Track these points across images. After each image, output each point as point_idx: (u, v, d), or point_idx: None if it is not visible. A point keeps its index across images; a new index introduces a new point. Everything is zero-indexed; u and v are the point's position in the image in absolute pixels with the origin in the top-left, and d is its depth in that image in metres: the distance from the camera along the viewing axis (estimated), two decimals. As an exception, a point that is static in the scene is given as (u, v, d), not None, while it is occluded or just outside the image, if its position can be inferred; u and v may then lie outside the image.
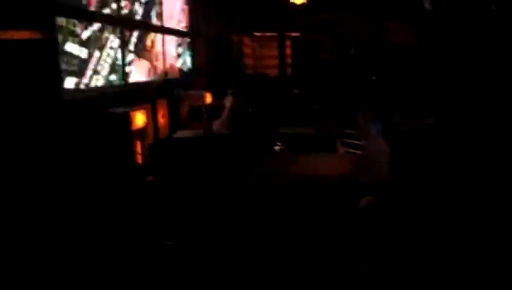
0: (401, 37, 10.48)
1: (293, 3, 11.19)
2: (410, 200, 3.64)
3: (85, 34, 5.00)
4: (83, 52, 4.94)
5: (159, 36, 7.35)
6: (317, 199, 4.52)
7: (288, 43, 12.48)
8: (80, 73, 4.87)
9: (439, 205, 3.15)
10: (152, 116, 6.58)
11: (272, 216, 4.33)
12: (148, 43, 6.89)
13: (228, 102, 7.31)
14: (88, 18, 5.06)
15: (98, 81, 5.27)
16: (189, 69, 8.87)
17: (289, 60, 12.66)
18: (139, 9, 6.54)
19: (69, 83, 4.66)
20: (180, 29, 8.49)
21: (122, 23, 5.93)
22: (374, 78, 11.48)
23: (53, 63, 4.40)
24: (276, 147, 6.45)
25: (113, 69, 5.63)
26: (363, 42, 11.90)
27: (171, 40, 7.97)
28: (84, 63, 4.96)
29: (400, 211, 3.09)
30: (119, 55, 5.81)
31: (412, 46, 10.65)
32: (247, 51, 12.67)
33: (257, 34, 12.68)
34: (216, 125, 6.99)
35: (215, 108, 7.95)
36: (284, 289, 3.44)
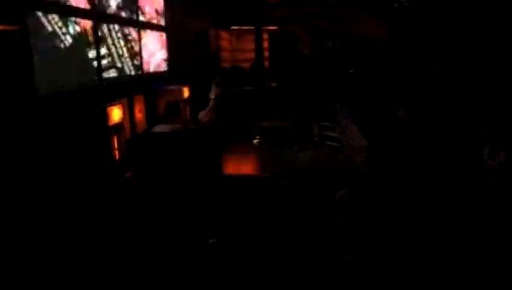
0: (375, 32, 10.60)
1: (269, -3, 11.19)
2: (384, 192, 3.70)
3: (60, 28, 4.93)
4: (56, 47, 4.88)
5: (135, 30, 7.29)
6: (295, 191, 4.56)
7: (265, 36, 12.49)
8: (54, 68, 4.80)
9: (410, 197, 3.21)
10: (129, 111, 6.53)
11: (250, 210, 4.35)
12: (124, 37, 6.82)
13: (213, 94, 7.30)
14: (61, 12, 4.99)
15: (73, 76, 5.20)
16: (167, 64, 8.81)
17: (266, 53, 12.68)
18: (113, 3, 6.47)
19: (43, 78, 4.60)
20: (157, 23, 8.43)
21: (98, 17, 5.86)
22: (351, 71, 11.57)
23: (26, 57, 4.33)
24: (254, 140, 6.47)
25: (88, 63, 5.57)
26: (341, 36, 11.98)
27: (148, 35, 7.91)
28: (58, 57, 4.90)
29: (374, 203, 3.15)
30: (94, 50, 5.74)
31: (387, 41, 10.78)
32: (225, 44, 12.65)
33: (234, 27, 12.66)
34: (201, 115, 6.98)
35: (194, 102, 7.93)
36: (271, 283, 3.47)
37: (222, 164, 5.11)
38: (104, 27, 6.10)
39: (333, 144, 6.33)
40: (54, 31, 4.85)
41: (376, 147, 5.16)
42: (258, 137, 6.63)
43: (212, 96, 7.28)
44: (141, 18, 7.60)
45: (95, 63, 5.77)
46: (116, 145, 5.36)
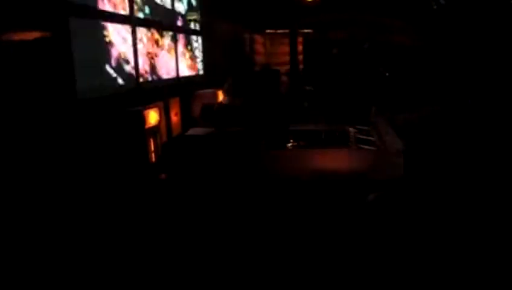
0: (407, 38, 10.48)
1: (305, 0, 11.16)
2: (421, 197, 3.61)
3: (99, 33, 5.04)
4: (96, 52, 4.99)
5: (172, 35, 7.39)
6: (329, 196, 4.51)
7: (300, 39, 12.46)
8: (93, 72, 4.91)
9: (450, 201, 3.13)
10: (165, 115, 6.61)
11: (284, 213, 4.32)
12: (161, 42, 6.92)
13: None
14: (101, 18, 5.10)
15: (112, 80, 5.31)
16: (202, 68, 8.89)
17: (301, 57, 12.64)
18: (151, 8, 6.58)
19: (83, 82, 4.71)
20: (193, 27, 8.52)
21: (136, 22, 5.96)
22: (387, 74, 11.43)
23: (66, 63, 4.43)
24: (289, 144, 6.45)
25: (126, 67, 5.67)
26: (376, 40, 11.86)
27: (184, 39, 8.00)
28: (98, 62, 5.01)
29: (409, 208, 3.08)
30: (132, 55, 5.84)
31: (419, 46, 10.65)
32: (259, 48, 12.67)
33: (269, 31, 12.67)
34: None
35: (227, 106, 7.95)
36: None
37: (257, 167, 5.10)
38: (142, 32, 6.20)
39: (369, 147, 6.25)
40: (94, 36, 4.95)
41: (415, 150, 5.05)
42: (292, 141, 6.62)
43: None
44: (178, 23, 7.70)
45: (133, 67, 5.87)
46: (152, 148, 5.42)
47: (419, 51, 10.91)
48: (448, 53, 10.29)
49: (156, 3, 6.78)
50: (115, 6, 5.44)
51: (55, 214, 3.93)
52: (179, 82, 7.51)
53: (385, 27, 10.91)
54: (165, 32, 7.13)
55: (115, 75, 5.39)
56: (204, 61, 8.94)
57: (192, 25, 8.46)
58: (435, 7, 10.63)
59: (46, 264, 3.57)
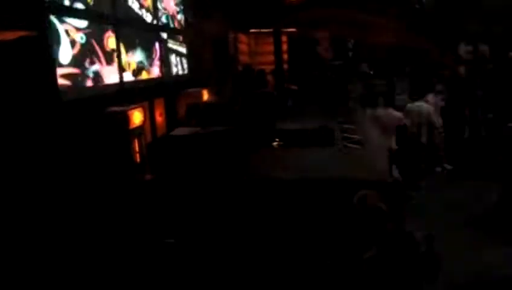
0: (391, 37, 10.58)
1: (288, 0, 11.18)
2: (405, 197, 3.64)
3: (81, 33, 4.98)
4: (78, 52, 4.93)
5: (155, 34, 7.34)
6: (315, 195, 4.52)
7: (284, 39, 12.46)
8: (76, 73, 4.86)
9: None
10: (150, 115, 6.56)
11: (270, 213, 4.32)
12: (144, 41, 6.87)
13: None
14: (82, 17, 5.04)
15: (96, 81, 5.25)
16: (186, 67, 8.85)
17: (285, 56, 12.65)
18: (135, 7, 6.53)
19: (65, 83, 4.65)
20: (177, 27, 8.48)
21: (119, 22, 5.91)
22: (371, 72, 11.51)
23: (48, 63, 4.37)
24: (274, 143, 6.44)
25: (110, 68, 5.62)
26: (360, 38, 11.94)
27: (168, 38, 7.95)
28: (79, 62, 4.95)
29: (396, 206, 3.10)
30: (115, 54, 5.79)
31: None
32: (243, 47, 12.65)
33: (253, 30, 12.66)
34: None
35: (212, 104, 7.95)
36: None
37: (242, 166, 5.09)
38: (126, 31, 6.14)
39: (354, 146, 6.27)
40: (76, 36, 4.89)
41: (401, 148, 5.09)
42: (278, 140, 6.61)
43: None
44: (161, 22, 7.65)
45: (117, 67, 5.81)
46: (137, 148, 5.38)
47: (403, 49, 11.01)
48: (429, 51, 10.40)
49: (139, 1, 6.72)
50: (97, 5, 5.38)
51: (39, 215, 3.87)
52: (163, 82, 7.46)
53: (368, 26, 10.97)
54: (150, 32, 7.08)
55: (98, 75, 5.33)
56: (188, 60, 8.90)
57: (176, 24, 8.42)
58: (417, 6, 10.73)
59: (30, 265, 3.52)
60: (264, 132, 6.47)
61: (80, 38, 4.98)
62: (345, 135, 6.82)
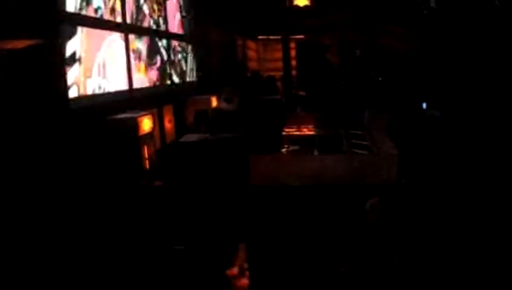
0: (401, 44, 10.56)
1: (296, 6, 11.21)
2: (417, 202, 3.62)
3: (91, 41, 5.03)
4: (89, 60, 4.97)
5: (164, 41, 7.39)
6: (324, 201, 4.51)
7: (292, 45, 12.49)
8: (86, 80, 4.90)
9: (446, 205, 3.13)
10: (159, 121, 6.60)
11: (278, 218, 4.32)
12: (154, 49, 6.91)
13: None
14: (93, 25, 5.09)
15: (106, 88, 5.30)
16: (196, 75, 8.90)
17: (294, 62, 12.66)
18: (143, 16, 6.58)
19: (75, 91, 4.69)
20: (186, 34, 8.53)
21: (128, 30, 5.96)
22: (380, 78, 11.48)
23: (58, 71, 4.42)
24: (283, 149, 6.44)
25: (119, 75, 5.66)
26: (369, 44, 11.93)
27: (177, 46, 8.00)
28: (89, 71, 4.99)
29: (406, 213, 3.08)
30: (124, 62, 5.83)
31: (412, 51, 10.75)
32: (252, 54, 12.69)
33: (261, 37, 12.70)
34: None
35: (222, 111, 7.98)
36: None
37: (250, 173, 5.10)
38: (135, 39, 6.19)
39: (362, 152, 6.25)
40: (87, 43, 4.94)
41: (409, 154, 5.05)
42: (286, 146, 6.61)
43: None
44: (170, 30, 7.70)
45: (126, 75, 5.85)
46: (146, 155, 5.40)
47: (412, 55, 10.97)
48: (440, 57, 10.36)
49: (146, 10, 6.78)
50: (109, 13, 5.44)
51: (50, 221, 3.90)
52: (172, 89, 7.50)
53: (377, 32, 10.97)
54: (158, 39, 7.13)
55: (107, 82, 5.37)
56: (197, 68, 8.94)
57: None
58: (425, 12, 10.70)
59: (41, 269, 3.54)
60: (273, 138, 6.48)
61: (91, 45, 5.03)
62: (354, 141, 6.80)
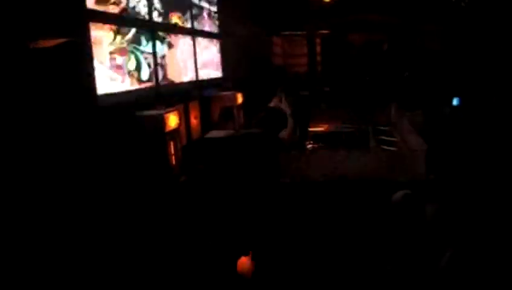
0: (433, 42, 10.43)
1: (321, 1, 11.13)
2: (447, 198, 3.55)
3: (119, 39, 5.09)
4: (115, 58, 5.04)
5: (190, 38, 7.42)
6: (350, 197, 4.48)
7: (318, 41, 12.43)
8: (114, 77, 4.97)
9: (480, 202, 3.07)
10: (185, 118, 6.64)
11: (306, 215, 4.30)
12: (180, 45, 6.96)
13: (286, 107, 7.24)
14: (120, 23, 5.15)
15: (132, 85, 5.36)
16: (221, 70, 8.92)
17: (319, 58, 12.61)
18: (170, 12, 6.63)
19: (103, 88, 4.76)
20: (211, 31, 8.55)
21: (154, 26, 6.01)
22: (407, 74, 11.33)
23: (86, 70, 4.48)
24: (309, 145, 6.42)
25: (146, 72, 5.72)
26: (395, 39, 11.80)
27: (203, 42, 8.03)
28: (117, 67, 5.06)
29: (436, 210, 3.02)
30: (151, 58, 5.89)
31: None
32: (277, 50, 12.68)
33: (286, 33, 12.67)
34: (282, 134, 7.00)
35: (248, 108, 8.00)
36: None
37: (277, 169, 5.08)
38: (161, 36, 6.24)
39: (389, 148, 6.19)
40: (114, 41, 5.00)
41: (437, 150, 4.97)
42: (312, 142, 6.59)
43: (287, 111, 7.16)
44: (196, 26, 7.74)
45: (153, 71, 5.91)
46: (172, 151, 5.44)
47: (440, 52, 10.82)
48: (470, 54, 10.20)
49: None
50: (135, 10, 5.49)
51: (78, 216, 3.97)
52: (198, 85, 7.54)
53: (410, 30, 10.87)
54: (186, 36, 7.17)
55: (134, 79, 5.43)
56: (223, 63, 8.97)
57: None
58: (463, 4, 10.52)
59: (64, 267, 3.61)
60: (299, 134, 6.45)
61: (120, 43, 5.09)
62: (380, 137, 6.73)
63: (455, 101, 8.54)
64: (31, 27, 3.72)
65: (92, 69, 4.58)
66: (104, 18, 4.84)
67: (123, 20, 5.23)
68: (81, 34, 4.42)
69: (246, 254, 3.43)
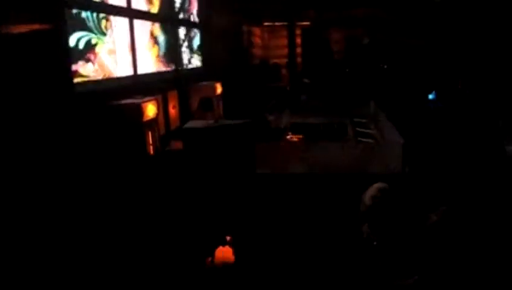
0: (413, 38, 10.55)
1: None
2: (421, 191, 3.59)
3: (96, 26, 5.01)
4: (92, 45, 4.97)
5: (171, 28, 7.35)
6: (327, 190, 4.51)
7: (298, 31, 12.41)
8: (90, 66, 4.89)
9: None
10: (163, 107, 6.59)
11: (281, 206, 4.32)
12: (158, 34, 6.88)
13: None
14: (98, 9, 5.07)
15: (109, 73, 5.29)
16: (201, 61, 8.86)
17: (299, 50, 12.60)
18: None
19: (81, 76, 4.69)
20: (191, 20, 8.48)
21: (133, 14, 5.93)
22: (385, 67, 11.43)
23: (63, 55, 4.41)
24: (288, 136, 6.44)
25: (124, 60, 5.65)
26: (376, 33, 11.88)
27: (181, 31, 7.96)
28: (94, 55, 4.98)
29: (409, 202, 3.05)
30: (130, 47, 5.82)
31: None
32: (257, 40, 12.64)
33: (267, 23, 12.63)
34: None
35: (227, 98, 7.99)
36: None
37: (254, 160, 5.09)
38: (140, 24, 6.16)
39: (367, 140, 6.24)
40: (91, 28, 4.92)
41: (414, 143, 5.02)
42: (290, 133, 6.61)
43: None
44: (176, 15, 7.66)
45: (130, 60, 5.84)
46: (150, 141, 5.40)
47: (418, 47, 10.94)
48: (446, 48, 10.34)
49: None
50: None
51: (55, 207, 3.92)
52: (177, 75, 7.47)
53: (389, 26, 10.95)
54: (165, 25, 7.09)
55: (112, 67, 5.36)
56: (202, 54, 8.91)
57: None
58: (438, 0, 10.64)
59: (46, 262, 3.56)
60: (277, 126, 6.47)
61: (97, 30, 5.01)
62: (358, 129, 6.78)
63: (431, 95, 8.68)
64: (4, 11, 3.63)
65: (68, 56, 4.50)
66: (80, 4, 4.76)
67: (101, 8, 5.15)
68: (59, 20, 4.34)
69: (223, 243, 3.43)
